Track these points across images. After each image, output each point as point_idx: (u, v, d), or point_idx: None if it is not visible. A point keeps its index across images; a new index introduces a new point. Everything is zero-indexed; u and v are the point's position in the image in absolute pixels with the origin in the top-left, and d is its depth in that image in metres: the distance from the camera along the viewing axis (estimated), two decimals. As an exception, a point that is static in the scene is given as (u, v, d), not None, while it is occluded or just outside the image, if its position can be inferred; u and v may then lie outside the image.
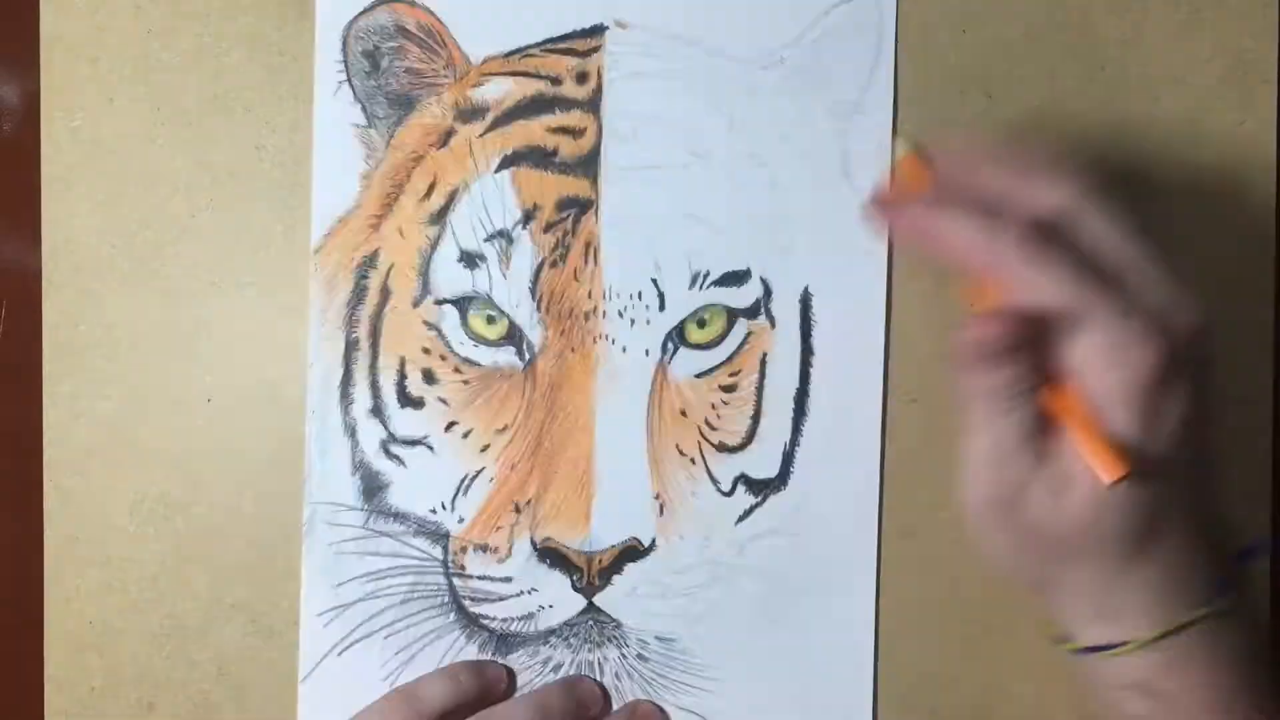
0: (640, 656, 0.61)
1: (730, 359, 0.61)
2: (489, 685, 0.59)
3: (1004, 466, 0.48)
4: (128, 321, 0.61)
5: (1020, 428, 0.48)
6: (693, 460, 0.61)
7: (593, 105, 0.60)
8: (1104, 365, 0.47)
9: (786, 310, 0.61)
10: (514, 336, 0.60)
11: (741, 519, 0.61)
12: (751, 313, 0.61)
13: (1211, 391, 0.49)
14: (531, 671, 0.61)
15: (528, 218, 0.60)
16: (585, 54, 0.61)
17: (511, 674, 0.61)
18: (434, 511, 0.61)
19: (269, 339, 0.61)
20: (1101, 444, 0.47)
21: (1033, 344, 0.48)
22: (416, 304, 0.61)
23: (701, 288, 0.61)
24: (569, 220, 0.60)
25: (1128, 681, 0.49)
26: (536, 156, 0.60)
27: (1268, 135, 0.62)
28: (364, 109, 0.60)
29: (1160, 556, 0.48)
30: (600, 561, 0.61)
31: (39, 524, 0.61)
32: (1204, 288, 0.60)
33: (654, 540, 0.61)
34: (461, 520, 0.61)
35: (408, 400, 0.61)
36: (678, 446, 0.61)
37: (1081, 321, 0.47)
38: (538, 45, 0.61)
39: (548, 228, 0.60)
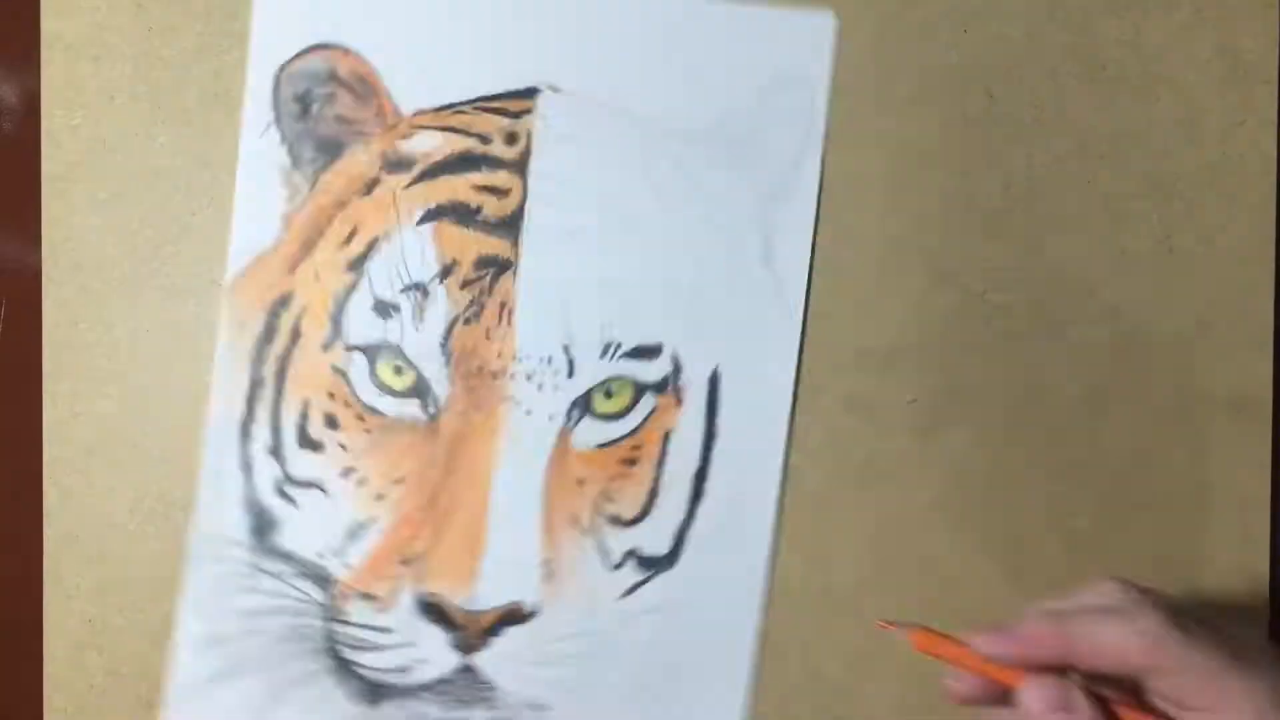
0: (510, 722, 0.61)
1: (634, 432, 0.61)
2: None
3: None
4: (128, 320, 0.62)
5: None
6: (584, 531, 0.61)
7: (520, 166, 0.60)
8: None
9: (695, 389, 0.61)
10: (421, 390, 0.60)
11: (627, 593, 0.61)
12: (660, 388, 0.61)
13: None
14: (401, 725, 0.61)
15: (446, 272, 0.60)
16: (516, 115, 0.61)
17: None
18: (321, 556, 0.61)
19: (271, 336, 0.62)
20: None
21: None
22: (326, 348, 0.61)
23: (612, 358, 0.60)
24: (487, 279, 0.60)
25: None
26: (460, 213, 0.60)
27: (1268, 135, 0.61)
28: (290, 151, 0.61)
29: None
30: (482, 621, 0.60)
31: (39, 522, 0.62)
32: (1204, 287, 0.61)
33: (538, 606, 0.61)
34: (348, 566, 0.61)
35: (307, 442, 0.61)
36: (572, 515, 0.61)
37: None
38: (470, 102, 0.61)
39: (465, 284, 0.60)
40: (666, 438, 0.61)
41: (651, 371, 0.60)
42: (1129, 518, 0.61)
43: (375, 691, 0.61)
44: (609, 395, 0.60)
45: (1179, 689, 0.44)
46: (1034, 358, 0.61)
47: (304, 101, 0.61)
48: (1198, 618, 0.45)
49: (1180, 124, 0.61)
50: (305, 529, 0.61)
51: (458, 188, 0.61)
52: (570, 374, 0.60)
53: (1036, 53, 0.61)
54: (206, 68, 0.61)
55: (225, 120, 0.61)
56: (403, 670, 0.61)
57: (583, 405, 0.60)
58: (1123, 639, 0.44)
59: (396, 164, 0.61)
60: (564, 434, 0.60)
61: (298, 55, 0.61)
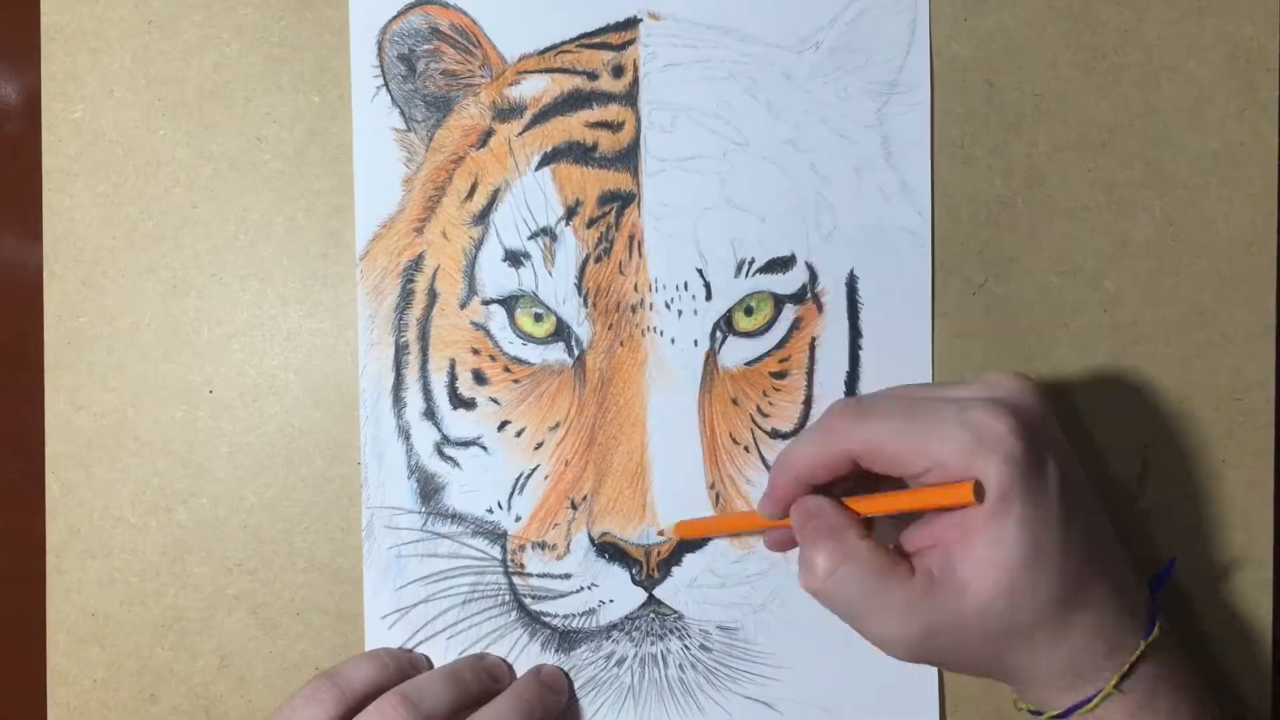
0: (703, 647, 0.61)
1: (779, 345, 0.61)
2: (412, 666, 0.60)
3: (892, 605, 0.47)
4: (129, 313, 0.61)
5: (877, 564, 0.48)
6: (746, 449, 0.61)
7: (630, 98, 0.60)
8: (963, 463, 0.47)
9: (833, 294, 0.61)
10: (562, 333, 0.60)
11: (798, 504, 0.61)
12: (798, 298, 0.61)
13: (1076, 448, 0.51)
14: (595, 667, 0.61)
15: (570, 214, 0.60)
16: (620, 47, 0.61)
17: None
18: (491, 511, 0.61)
19: (270, 329, 0.61)
20: (937, 493, 0.47)
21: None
22: (463, 305, 0.61)
23: (747, 275, 0.60)
24: (611, 214, 0.60)
25: None
26: (576, 152, 0.60)
27: (1269, 123, 0.62)
28: (402, 113, 0.60)
29: (1092, 608, 0.48)
30: (659, 553, 0.60)
31: (41, 516, 0.61)
32: (1206, 275, 0.61)
33: (712, 530, 0.61)
34: (518, 519, 0.61)
35: (460, 401, 0.61)
36: (731, 435, 0.61)
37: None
38: (572, 41, 0.61)
39: (590, 223, 0.60)
40: (813, 346, 0.61)
41: (788, 283, 0.61)
42: (1129, 508, 0.62)
43: (567, 638, 0.61)
44: (749, 312, 0.61)
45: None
46: (1035, 347, 0.61)
47: (409, 61, 0.60)
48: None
49: (1182, 112, 0.61)
50: (471, 487, 0.61)
51: (571, 127, 0.61)
52: (708, 296, 0.60)
53: (1037, 41, 0.61)
54: (206, 60, 0.61)
55: (225, 113, 0.61)
56: (589, 613, 0.61)
57: (725, 325, 0.61)
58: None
59: (507, 112, 0.60)
60: (710, 356, 0.61)
61: (397, 15, 0.60)
